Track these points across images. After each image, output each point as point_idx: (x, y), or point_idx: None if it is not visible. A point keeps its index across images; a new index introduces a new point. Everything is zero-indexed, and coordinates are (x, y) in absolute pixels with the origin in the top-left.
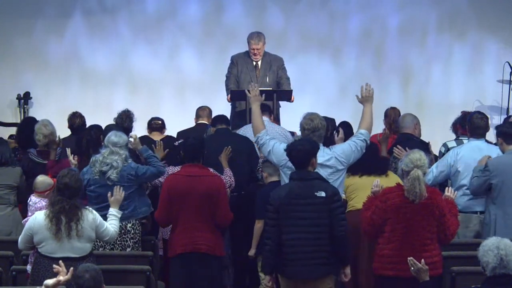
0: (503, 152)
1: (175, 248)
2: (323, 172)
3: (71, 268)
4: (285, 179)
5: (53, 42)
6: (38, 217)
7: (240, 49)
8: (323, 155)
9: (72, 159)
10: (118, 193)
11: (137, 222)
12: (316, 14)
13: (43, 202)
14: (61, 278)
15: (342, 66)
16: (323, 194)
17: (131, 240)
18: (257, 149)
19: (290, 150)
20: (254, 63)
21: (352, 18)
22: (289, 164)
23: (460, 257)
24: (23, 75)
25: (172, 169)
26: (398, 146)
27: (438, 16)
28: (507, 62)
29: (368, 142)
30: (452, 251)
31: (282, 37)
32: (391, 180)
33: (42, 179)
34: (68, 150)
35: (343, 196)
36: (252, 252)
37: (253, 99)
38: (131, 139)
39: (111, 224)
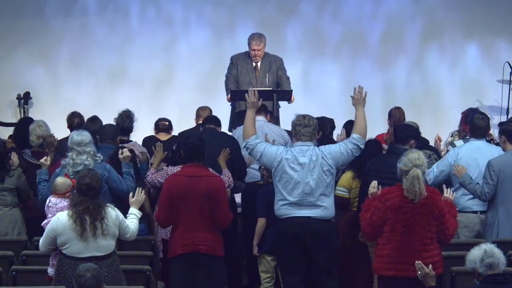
0: (504, 150)
1: (175, 249)
2: (306, 172)
3: None
4: (277, 182)
5: (53, 42)
6: (60, 218)
7: (241, 48)
8: (311, 154)
9: (44, 161)
10: (139, 195)
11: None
12: (319, 14)
13: (64, 202)
14: None
15: (343, 67)
16: None
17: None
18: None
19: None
20: (254, 64)
21: (352, 19)
22: (282, 164)
23: (460, 257)
24: (23, 75)
25: (172, 169)
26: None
27: (439, 17)
28: (507, 62)
29: (362, 146)
30: (452, 251)
31: (283, 36)
32: None
33: (62, 181)
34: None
35: (345, 195)
36: (254, 250)
37: (251, 104)
38: (122, 152)
39: (132, 223)
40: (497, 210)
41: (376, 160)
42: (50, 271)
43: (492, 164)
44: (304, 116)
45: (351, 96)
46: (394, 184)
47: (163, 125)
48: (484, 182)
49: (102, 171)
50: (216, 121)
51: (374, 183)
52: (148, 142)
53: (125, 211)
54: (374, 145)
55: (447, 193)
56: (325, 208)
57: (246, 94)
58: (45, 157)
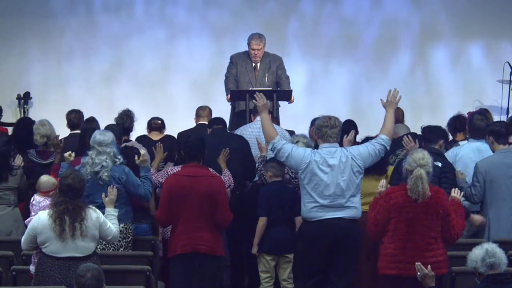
0: (493, 151)
1: (175, 249)
2: (336, 174)
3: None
4: (305, 185)
5: (53, 42)
6: (41, 217)
7: (241, 48)
8: (340, 155)
9: (68, 156)
10: (112, 193)
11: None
12: (320, 15)
13: (47, 201)
14: None
15: (343, 67)
16: None
17: (124, 240)
18: (251, 150)
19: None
20: (253, 63)
21: (352, 19)
22: (311, 167)
23: (460, 257)
24: (23, 75)
25: (172, 169)
26: (408, 135)
27: (439, 18)
28: (507, 62)
29: (388, 148)
30: (452, 251)
31: (284, 36)
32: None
33: (46, 179)
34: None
35: None
36: (254, 249)
37: (262, 107)
38: (141, 154)
39: (113, 224)
40: (487, 213)
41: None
42: (32, 269)
43: (478, 166)
44: (330, 117)
45: (381, 100)
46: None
47: (155, 124)
48: (472, 184)
49: (120, 174)
50: (224, 122)
51: (382, 182)
52: (140, 142)
53: (141, 214)
54: None
55: (455, 192)
56: (354, 208)
57: (253, 100)
58: (69, 152)
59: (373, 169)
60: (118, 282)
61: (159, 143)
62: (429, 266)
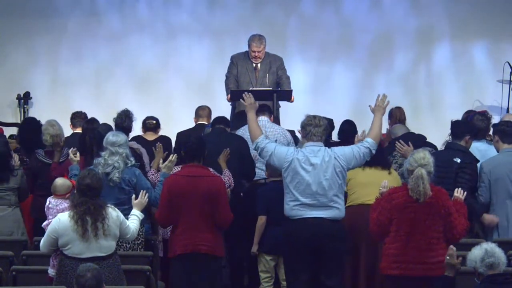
0: (497, 150)
1: (175, 249)
2: (318, 173)
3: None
4: (288, 183)
5: (53, 42)
6: (62, 219)
7: (241, 48)
8: (323, 154)
9: (73, 156)
10: (143, 197)
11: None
12: (321, 15)
13: (65, 204)
14: None
15: (344, 67)
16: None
17: (136, 241)
18: (252, 151)
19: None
20: (254, 64)
21: (353, 19)
22: (293, 165)
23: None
24: (23, 75)
25: (172, 169)
26: (400, 140)
27: (439, 18)
28: (507, 62)
29: (374, 151)
30: None
31: (284, 36)
32: (394, 178)
33: (62, 182)
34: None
35: None
36: (254, 248)
37: (249, 107)
38: (164, 164)
39: (132, 223)
40: (495, 213)
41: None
42: (51, 271)
43: (482, 166)
44: (314, 116)
45: (369, 106)
46: (446, 178)
47: (150, 124)
48: (478, 185)
49: (130, 176)
50: (226, 122)
51: (384, 183)
52: (135, 142)
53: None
54: None
55: (457, 192)
56: (337, 209)
57: (241, 100)
58: (72, 150)
59: (378, 161)
60: (118, 282)
61: (158, 143)
62: (460, 258)
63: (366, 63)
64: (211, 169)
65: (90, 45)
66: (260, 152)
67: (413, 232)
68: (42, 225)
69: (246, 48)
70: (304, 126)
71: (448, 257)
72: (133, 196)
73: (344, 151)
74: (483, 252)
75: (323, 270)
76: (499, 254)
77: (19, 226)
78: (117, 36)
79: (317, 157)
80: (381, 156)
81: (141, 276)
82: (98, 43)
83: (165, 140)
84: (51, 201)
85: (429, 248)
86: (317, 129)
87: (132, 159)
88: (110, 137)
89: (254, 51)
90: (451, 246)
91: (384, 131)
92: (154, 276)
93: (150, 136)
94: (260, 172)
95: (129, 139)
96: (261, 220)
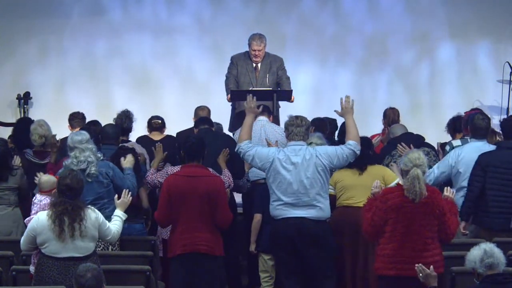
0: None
1: (175, 249)
2: (299, 171)
3: None
4: (270, 183)
5: (53, 42)
6: (40, 218)
7: (241, 48)
8: (304, 153)
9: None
10: (126, 197)
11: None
12: (321, 15)
13: (48, 199)
14: None
15: (344, 67)
16: None
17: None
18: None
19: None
20: (254, 64)
21: (352, 19)
22: (274, 165)
23: (460, 257)
24: (23, 75)
25: (172, 169)
26: (402, 143)
27: (439, 18)
28: (507, 62)
29: (358, 152)
30: (452, 251)
31: (284, 36)
32: (370, 174)
33: (47, 179)
34: None
35: (332, 192)
36: (252, 247)
37: (249, 110)
38: (125, 158)
39: (114, 225)
40: None
41: (488, 154)
42: (32, 269)
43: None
44: (297, 117)
45: (335, 110)
46: (505, 179)
47: (156, 123)
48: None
49: (106, 169)
50: (210, 122)
51: (376, 183)
52: (141, 142)
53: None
54: (363, 142)
55: (447, 191)
56: (320, 209)
57: (244, 103)
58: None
59: (355, 163)
60: (118, 282)
61: (158, 143)
62: (431, 266)
63: (366, 63)
64: (210, 169)
65: (90, 45)
66: (243, 156)
67: (409, 232)
68: (25, 221)
69: (246, 48)
70: (286, 126)
71: (420, 274)
72: (116, 196)
73: (326, 150)
74: (482, 252)
75: (314, 273)
76: (498, 254)
77: (18, 226)
78: (117, 36)
79: (298, 156)
80: (357, 160)
81: (141, 276)
82: (98, 43)
83: (171, 139)
84: (36, 197)
85: (425, 248)
86: (299, 129)
87: (100, 154)
88: (75, 136)
89: (255, 50)
90: (417, 265)
91: (379, 131)
92: (154, 276)
93: (156, 136)
94: (260, 172)
95: (130, 139)
96: (256, 218)
